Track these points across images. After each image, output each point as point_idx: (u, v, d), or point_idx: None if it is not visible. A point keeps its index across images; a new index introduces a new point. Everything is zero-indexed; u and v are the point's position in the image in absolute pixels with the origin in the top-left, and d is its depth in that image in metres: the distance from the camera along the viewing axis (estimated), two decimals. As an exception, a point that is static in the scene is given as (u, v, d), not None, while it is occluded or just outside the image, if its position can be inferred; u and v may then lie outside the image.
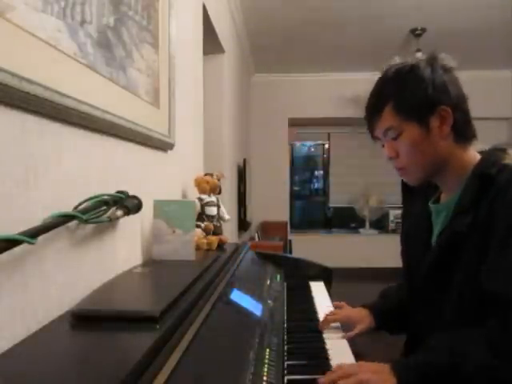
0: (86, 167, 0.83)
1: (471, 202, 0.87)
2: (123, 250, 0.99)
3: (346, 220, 5.87)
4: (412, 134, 0.93)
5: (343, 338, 1.05)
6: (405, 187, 1.09)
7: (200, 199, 1.37)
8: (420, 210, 1.06)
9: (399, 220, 5.45)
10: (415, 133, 0.92)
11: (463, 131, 0.94)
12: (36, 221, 0.62)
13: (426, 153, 0.93)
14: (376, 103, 0.98)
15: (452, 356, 0.78)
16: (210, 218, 1.37)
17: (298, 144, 6.04)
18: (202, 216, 1.36)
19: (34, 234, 0.58)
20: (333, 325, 1.10)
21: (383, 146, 1.00)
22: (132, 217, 0.91)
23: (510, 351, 0.75)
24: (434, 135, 0.92)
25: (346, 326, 1.11)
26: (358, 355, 0.96)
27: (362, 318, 1.12)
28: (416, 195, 1.09)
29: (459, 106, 0.93)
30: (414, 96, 0.92)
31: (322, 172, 6.03)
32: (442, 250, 0.92)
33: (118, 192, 0.87)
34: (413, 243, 1.06)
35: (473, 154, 0.96)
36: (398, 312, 1.12)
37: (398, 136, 0.94)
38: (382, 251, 5.16)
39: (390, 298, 1.18)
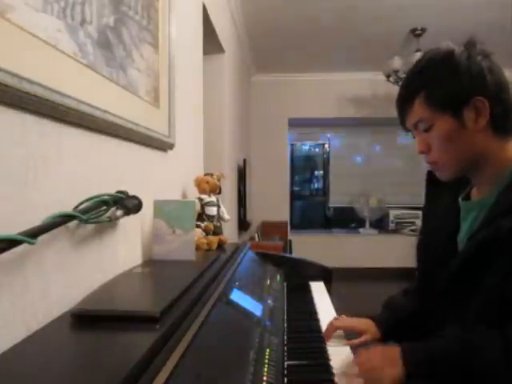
0: (85, 167, 0.83)
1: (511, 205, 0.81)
2: (123, 250, 0.99)
3: (346, 220, 5.86)
4: (444, 126, 0.87)
5: (345, 344, 1.02)
6: (430, 181, 1.04)
7: (200, 199, 1.37)
8: (447, 205, 1.00)
9: (399, 220, 5.45)
10: (448, 125, 0.87)
11: (502, 123, 0.88)
12: (36, 221, 0.62)
13: (459, 147, 0.88)
14: (407, 93, 0.92)
15: (465, 349, 0.77)
16: (210, 217, 1.37)
17: (298, 144, 6.04)
18: (202, 216, 1.36)
19: (34, 234, 0.58)
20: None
21: (414, 137, 0.95)
22: (132, 217, 0.91)
23: None
24: (469, 128, 0.86)
25: (349, 335, 1.08)
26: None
27: (368, 328, 1.07)
28: (443, 190, 1.03)
29: (498, 96, 0.86)
30: (446, 86, 0.86)
31: (321, 172, 6.02)
32: (475, 252, 0.84)
33: (118, 192, 0.87)
34: (436, 239, 1.00)
35: None
36: (406, 322, 1.07)
37: (430, 128, 0.89)
38: (382, 251, 5.17)
39: (397, 309, 1.11)
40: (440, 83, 0.87)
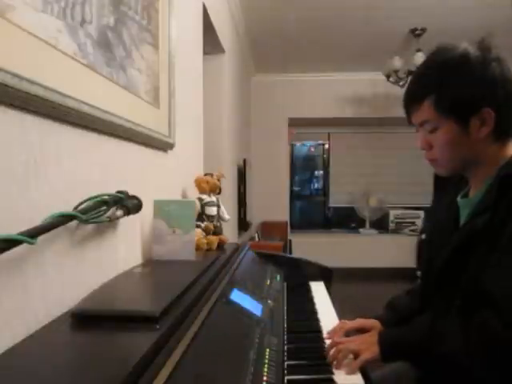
0: (85, 167, 0.83)
1: (490, 203, 0.85)
2: (123, 250, 0.99)
3: (346, 220, 5.86)
4: (449, 131, 0.90)
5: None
6: (437, 180, 1.09)
7: (200, 199, 1.37)
8: (449, 203, 1.04)
9: (399, 220, 5.46)
10: (453, 131, 0.89)
11: (505, 130, 0.90)
12: (36, 221, 0.62)
13: (459, 150, 0.91)
14: (416, 92, 0.93)
15: (430, 334, 0.84)
16: (210, 217, 1.37)
17: (298, 144, 6.04)
18: (202, 216, 1.36)
19: (34, 234, 0.58)
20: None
21: (417, 130, 0.98)
22: (132, 217, 0.91)
23: (480, 353, 0.77)
24: (472, 135, 0.89)
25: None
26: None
27: (375, 326, 1.08)
28: (448, 188, 1.07)
29: (506, 106, 0.88)
30: (458, 94, 0.87)
31: (321, 172, 6.02)
32: (457, 248, 0.90)
33: (118, 192, 0.87)
34: (438, 236, 1.04)
35: (509, 151, 0.92)
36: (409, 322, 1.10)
37: (435, 130, 0.91)
38: (382, 251, 5.17)
39: (399, 309, 1.14)
40: (452, 89, 0.88)
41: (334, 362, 0.87)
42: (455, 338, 0.81)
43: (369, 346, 0.89)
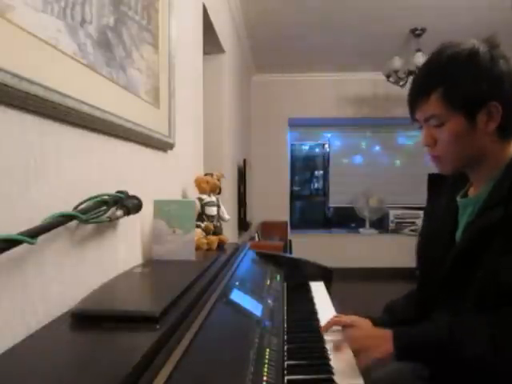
0: (85, 167, 0.83)
1: (501, 198, 0.84)
2: (123, 250, 0.99)
3: (346, 220, 5.86)
4: (456, 126, 0.89)
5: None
6: (431, 182, 1.08)
7: (200, 199, 1.37)
8: (446, 204, 1.03)
9: (399, 220, 5.45)
10: (460, 125, 0.88)
11: (509, 127, 0.90)
12: (36, 221, 0.62)
13: (465, 146, 0.90)
14: (424, 86, 0.92)
15: (452, 337, 0.80)
16: (210, 217, 1.37)
17: (298, 144, 6.04)
18: (202, 216, 1.36)
19: (34, 234, 0.58)
20: (334, 327, 1.10)
21: (421, 127, 0.96)
22: (132, 217, 0.91)
23: (507, 348, 0.76)
24: (479, 130, 0.88)
25: None
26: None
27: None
28: (443, 190, 1.06)
29: (511, 102, 0.88)
30: (466, 88, 0.87)
31: (321, 172, 6.02)
32: (467, 246, 0.89)
33: (118, 192, 0.87)
34: (435, 238, 1.02)
35: (511, 148, 0.92)
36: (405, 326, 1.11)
37: (441, 125, 0.90)
38: (382, 251, 5.17)
39: (397, 312, 1.14)
40: (460, 84, 0.88)
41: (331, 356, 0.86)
42: (482, 336, 0.78)
43: (380, 342, 0.86)
